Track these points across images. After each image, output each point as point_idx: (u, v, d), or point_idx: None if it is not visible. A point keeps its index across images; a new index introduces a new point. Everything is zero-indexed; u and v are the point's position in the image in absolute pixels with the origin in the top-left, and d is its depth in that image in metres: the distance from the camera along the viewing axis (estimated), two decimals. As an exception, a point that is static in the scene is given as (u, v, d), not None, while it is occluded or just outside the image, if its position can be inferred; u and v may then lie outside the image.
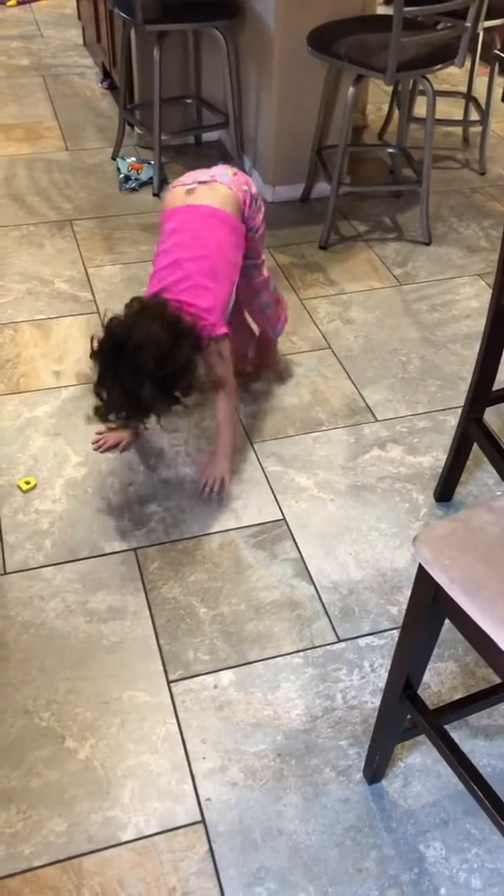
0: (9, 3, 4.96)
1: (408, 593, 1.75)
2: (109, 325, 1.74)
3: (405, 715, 1.32)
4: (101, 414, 1.75)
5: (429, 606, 1.11)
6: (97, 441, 2.08)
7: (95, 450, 2.06)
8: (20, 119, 3.63)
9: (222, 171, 1.97)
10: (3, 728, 1.51)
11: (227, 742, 1.51)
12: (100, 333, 1.74)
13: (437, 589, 1.07)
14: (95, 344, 1.73)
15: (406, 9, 2.38)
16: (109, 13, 3.45)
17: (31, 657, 1.63)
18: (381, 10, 3.71)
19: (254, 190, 1.99)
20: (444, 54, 2.60)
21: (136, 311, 1.75)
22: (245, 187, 1.97)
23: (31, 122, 3.60)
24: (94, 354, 1.73)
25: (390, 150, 3.21)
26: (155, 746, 1.50)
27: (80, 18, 4.47)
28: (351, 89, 2.62)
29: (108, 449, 2.06)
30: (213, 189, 1.93)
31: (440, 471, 2.00)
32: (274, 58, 2.79)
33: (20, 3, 4.99)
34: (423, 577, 1.10)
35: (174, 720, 1.54)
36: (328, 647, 1.67)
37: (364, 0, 2.88)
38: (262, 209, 2.03)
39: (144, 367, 1.66)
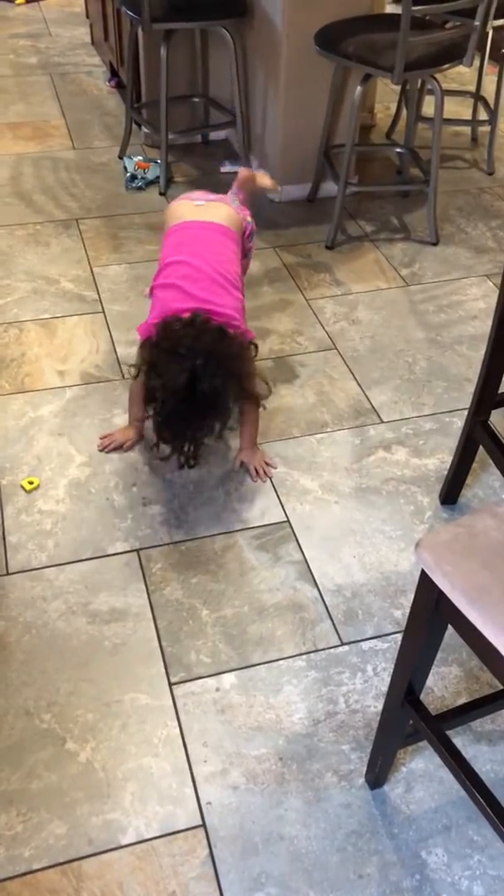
0: (17, 2, 4.95)
1: (412, 597, 1.74)
2: (171, 349, 1.74)
3: (407, 720, 1.31)
4: (175, 446, 1.83)
5: (431, 612, 1.10)
6: (103, 442, 2.07)
7: (101, 450, 2.05)
8: (27, 117, 3.63)
9: (231, 198, 2.14)
10: (3, 729, 1.51)
11: (229, 745, 1.51)
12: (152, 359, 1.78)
13: (440, 595, 1.06)
14: (159, 378, 1.74)
15: (414, 7, 2.36)
16: (117, 11, 3.45)
17: (33, 658, 1.62)
18: (390, 8, 3.69)
19: (254, 225, 2.13)
20: (452, 54, 2.58)
21: (186, 331, 1.76)
22: (249, 218, 2.12)
23: (38, 121, 3.60)
24: (165, 387, 1.73)
25: (398, 150, 3.20)
26: (156, 749, 1.50)
27: (87, 17, 4.46)
28: (359, 88, 2.61)
29: (114, 449, 2.05)
30: (220, 208, 2.05)
31: (445, 473, 1.98)
32: (281, 57, 2.78)
33: (28, 1, 4.99)
34: (425, 582, 1.08)
35: (175, 723, 1.54)
36: (331, 651, 1.66)
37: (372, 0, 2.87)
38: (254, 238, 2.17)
39: (222, 384, 1.72)
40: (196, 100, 3.37)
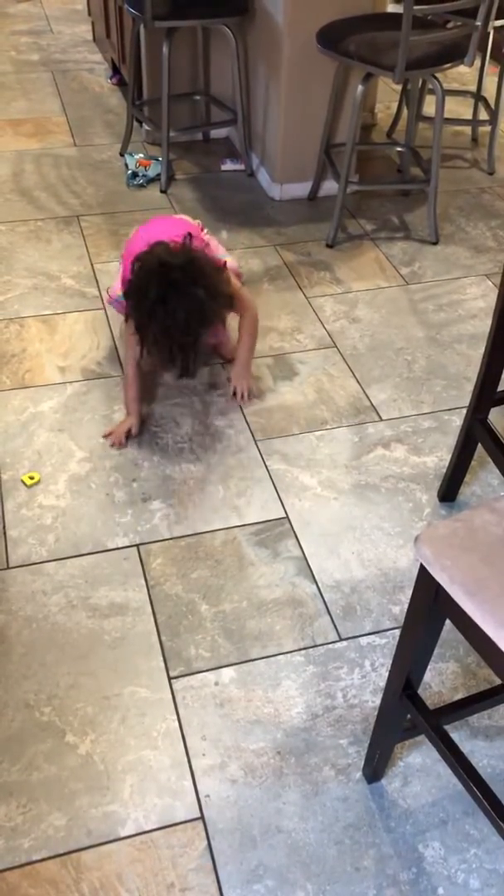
0: (19, -1, 4.95)
1: (410, 593, 1.76)
2: (152, 260, 1.88)
3: (405, 714, 1.32)
4: (157, 344, 1.90)
5: (430, 606, 1.11)
6: (111, 439, 2.07)
7: (112, 445, 2.06)
8: (29, 114, 3.63)
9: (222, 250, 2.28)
10: (3, 722, 1.52)
11: (227, 739, 1.52)
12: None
13: (438, 589, 1.07)
14: (140, 281, 1.88)
15: (416, 7, 2.37)
16: (119, 9, 3.45)
17: (33, 652, 1.63)
18: (392, 7, 3.70)
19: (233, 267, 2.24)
20: (453, 53, 2.59)
21: (158, 250, 1.92)
22: (236, 265, 2.28)
23: (39, 118, 3.60)
24: (147, 284, 1.86)
25: (399, 149, 3.21)
26: (155, 742, 1.51)
27: (89, 14, 4.46)
28: (360, 87, 2.61)
29: (125, 440, 2.07)
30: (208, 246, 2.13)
31: (444, 471, 1.99)
32: (283, 55, 2.79)
33: (30, -2, 4.98)
34: (424, 576, 1.09)
35: (174, 716, 1.54)
36: (329, 646, 1.67)
37: (374, -2, 2.87)
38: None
39: (202, 277, 1.85)
40: (197, 97, 3.38)
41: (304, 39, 2.72)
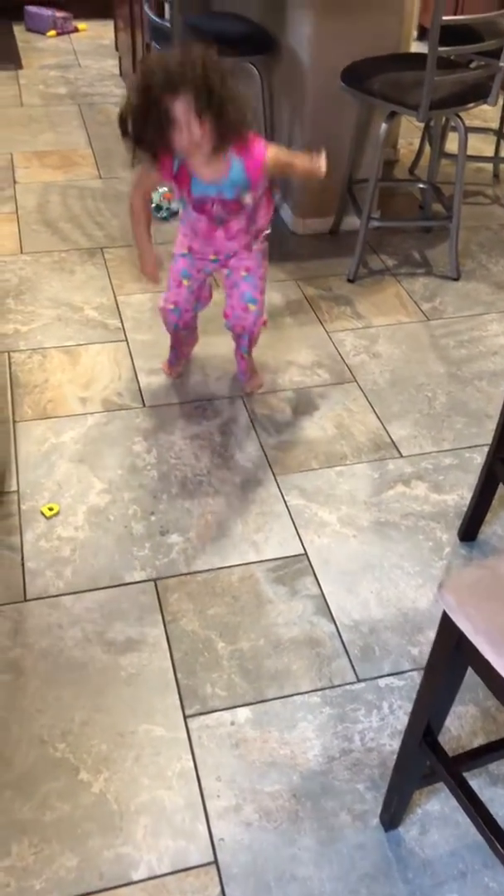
0: (48, 34, 5.07)
1: (430, 634, 1.74)
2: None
3: (424, 762, 1.29)
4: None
5: (452, 654, 1.10)
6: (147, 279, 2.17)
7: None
8: (55, 146, 3.69)
9: None
10: (18, 757, 1.51)
11: (243, 781, 1.50)
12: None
13: (461, 637, 1.06)
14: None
15: (441, 49, 2.40)
16: (146, 45, 3.51)
17: (48, 686, 1.62)
18: (415, 46, 3.74)
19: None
20: (477, 93, 2.62)
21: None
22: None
23: (65, 150, 3.66)
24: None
25: (421, 186, 3.22)
26: (169, 782, 1.49)
27: (117, 49, 4.55)
28: (384, 125, 2.64)
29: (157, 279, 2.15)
30: None
31: (465, 510, 1.98)
32: (307, 92, 2.82)
33: (59, 33, 5.10)
34: (447, 624, 1.08)
35: (189, 756, 1.53)
36: (347, 687, 1.65)
37: (399, 38, 2.91)
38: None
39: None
40: (222, 132, 3.42)
41: (329, 77, 2.76)
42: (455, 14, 3.65)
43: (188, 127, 1.79)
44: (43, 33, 5.08)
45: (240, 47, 2.93)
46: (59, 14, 5.08)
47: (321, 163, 2.07)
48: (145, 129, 1.81)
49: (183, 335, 2.31)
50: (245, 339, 2.24)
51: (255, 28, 3.01)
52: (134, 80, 1.83)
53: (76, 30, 5.16)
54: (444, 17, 2.36)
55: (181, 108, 1.76)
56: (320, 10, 2.67)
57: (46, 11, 5.07)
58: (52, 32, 5.07)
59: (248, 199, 1.98)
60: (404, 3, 2.90)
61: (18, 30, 5.13)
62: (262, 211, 2.08)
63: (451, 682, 1.17)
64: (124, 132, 1.85)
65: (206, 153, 1.88)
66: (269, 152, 1.95)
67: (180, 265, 2.16)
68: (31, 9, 5.10)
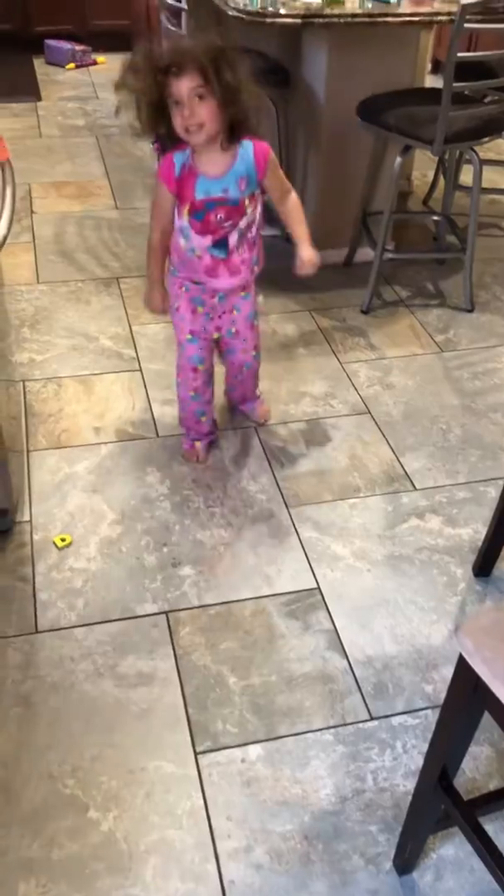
0: (67, 67, 5.15)
1: (444, 671, 1.72)
2: None
3: (439, 805, 1.27)
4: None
5: (468, 698, 1.08)
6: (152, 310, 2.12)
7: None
8: (73, 177, 3.74)
9: None
10: (27, 794, 1.49)
11: (254, 820, 1.47)
12: None
13: (478, 681, 1.04)
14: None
15: (455, 84, 2.42)
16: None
17: (59, 720, 1.61)
18: (429, 79, 3.78)
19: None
20: (491, 127, 2.63)
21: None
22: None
23: (83, 181, 3.70)
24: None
25: (435, 218, 3.24)
26: (179, 821, 1.47)
27: (135, 82, 4.62)
28: (398, 159, 2.66)
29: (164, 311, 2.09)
30: None
31: (479, 544, 1.96)
32: (323, 126, 2.85)
33: (78, 66, 5.19)
34: (463, 667, 1.06)
35: (200, 794, 1.51)
36: (360, 725, 1.63)
37: (413, 72, 2.94)
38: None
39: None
40: (237, 164, 3.45)
41: (344, 111, 2.78)
42: (469, 50, 3.70)
43: (191, 109, 1.71)
44: (62, 66, 5.17)
45: (257, 81, 2.96)
46: (79, 47, 5.18)
47: (312, 257, 2.05)
48: (147, 104, 1.75)
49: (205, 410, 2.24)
50: (249, 386, 2.32)
51: (271, 63, 3.05)
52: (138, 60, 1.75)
53: (95, 63, 5.25)
54: (459, 54, 2.38)
55: (184, 87, 1.69)
56: (335, 46, 2.71)
57: (66, 45, 5.16)
58: (72, 65, 5.16)
59: (252, 198, 1.92)
60: (419, 38, 2.93)
61: (38, 63, 5.22)
62: (259, 241, 2.07)
63: (468, 726, 1.15)
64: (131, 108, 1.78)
65: (213, 143, 1.81)
66: (273, 157, 1.93)
67: (189, 352, 2.10)
68: (52, 42, 5.19)
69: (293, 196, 2.06)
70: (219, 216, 1.89)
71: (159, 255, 2.03)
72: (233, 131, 1.81)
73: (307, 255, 2.04)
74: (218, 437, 2.31)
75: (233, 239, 1.93)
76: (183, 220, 1.92)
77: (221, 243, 1.94)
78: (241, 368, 2.23)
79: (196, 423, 2.21)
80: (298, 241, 2.05)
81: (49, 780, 1.51)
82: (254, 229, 1.98)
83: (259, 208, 1.97)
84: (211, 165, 1.85)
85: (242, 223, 1.94)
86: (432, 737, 1.20)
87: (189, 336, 2.08)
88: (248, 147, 1.87)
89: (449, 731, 1.16)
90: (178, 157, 1.86)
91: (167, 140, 1.84)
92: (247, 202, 1.92)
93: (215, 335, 2.11)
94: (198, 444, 2.23)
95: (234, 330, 2.11)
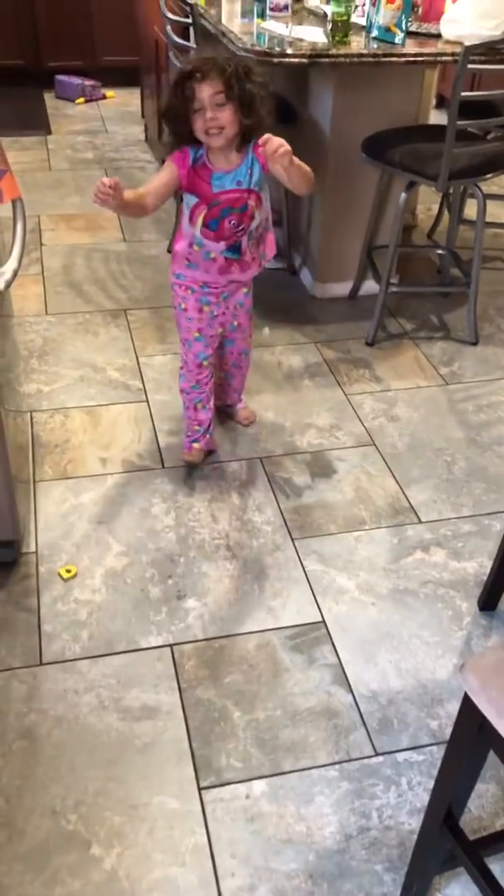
0: (77, 101, 5.24)
1: (449, 707, 1.71)
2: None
3: (445, 845, 1.26)
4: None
5: (474, 737, 1.08)
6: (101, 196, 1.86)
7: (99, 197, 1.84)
8: (81, 210, 3.79)
9: None
10: (29, 829, 1.48)
11: (258, 858, 1.46)
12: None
13: (484, 720, 1.04)
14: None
15: (459, 122, 2.46)
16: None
17: (62, 754, 1.60)
18: (434, 114, 3.84)
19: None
20: (495, 164, 2.67)
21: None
22: None
23: (91, 213, 3.75)
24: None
25: (439, 252, 3.27)
26: (183, 859, 1.45)
27: (143, 116, 4.70)
28: (403, 195, 2.69)
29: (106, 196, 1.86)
30: None
31: (484, 578, 1.96)
32: (329, 161, 2.89)
33: (88, 100, 5.28)
34: (468, 706, 1.06)
35: (204, 831, 1.50)
36: (365, 761, 1.62)
37: (418, 109, 2.99)
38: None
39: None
40: (244, 198, 3.50)
41: (349, 148, 2.83)
42: (472, 88, 3.76)
43: (213, 112, 1.84)
44: (72, 100, 5.26)
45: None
46: (88, 82, 5.27)
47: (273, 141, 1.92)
48: (173, 110, 1.88)
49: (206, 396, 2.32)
50: (243, 371, 2.42)
51: (278, 100, 3.10)
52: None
53: (104, 97, 5.34)
54: (463, 94, 2.42)
55: (206, 92, 1.82)
56: (341, 84, 2.76)
57: (76, 80, 5.26)
58: (81, 100, 5.25)
59: (258, 200, 2.00)
60: (423, 76, 2.99)
61: (49, 97, 5.32)
62: (269, 236, 2.15)
63: (473, 765, 1.15)
64: (163, 116, 1.95)
65: (228, 145, 1.91)
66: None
67: (196, 349, 2.20)
68: (62, 77, 5.29)
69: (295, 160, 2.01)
70: (232, 222, 2.00)
71: (132, 191, 1.93)
72: (246, 136, 1.93)
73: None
74: (216, 449, 2.39)
75: (244, 241, 2.05)
76: (196, 230, 2.02)
77: (235, 246, 2.05)
78: (240, 356, 2.36)
79: (195, 413, 2.29)
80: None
81: (52, 816, 1.51)
82: (261, 229, 2.08)
83: (264, 207, 2.06)
84: (224, 162, 1.97)
85: (253, 226, 2.04)
86: (437, 776, 1.20)
87: (197, 334, 2.19)
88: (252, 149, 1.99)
89: (454, 771, 1.15)
90: (192, 150, 1.97)
91: (182, 140, 1.94)
92: (254, 206, 2.01)
93: (219, 330, 2.22)
94: (195, 446, 2.31)
95: (236, 324, 2.26)
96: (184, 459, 2.31)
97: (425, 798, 1.53)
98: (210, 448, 2.36)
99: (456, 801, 1.21)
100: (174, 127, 1.93)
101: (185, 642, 1.83)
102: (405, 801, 1.55)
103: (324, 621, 1.89)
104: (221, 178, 1.97)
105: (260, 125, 1.91)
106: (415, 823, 1.51)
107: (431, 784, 1.26)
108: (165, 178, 2.00)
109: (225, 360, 2.37)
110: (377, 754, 1.63)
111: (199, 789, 1.56)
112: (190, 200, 2.01)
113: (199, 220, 2.00)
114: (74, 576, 1.97)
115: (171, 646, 1.82)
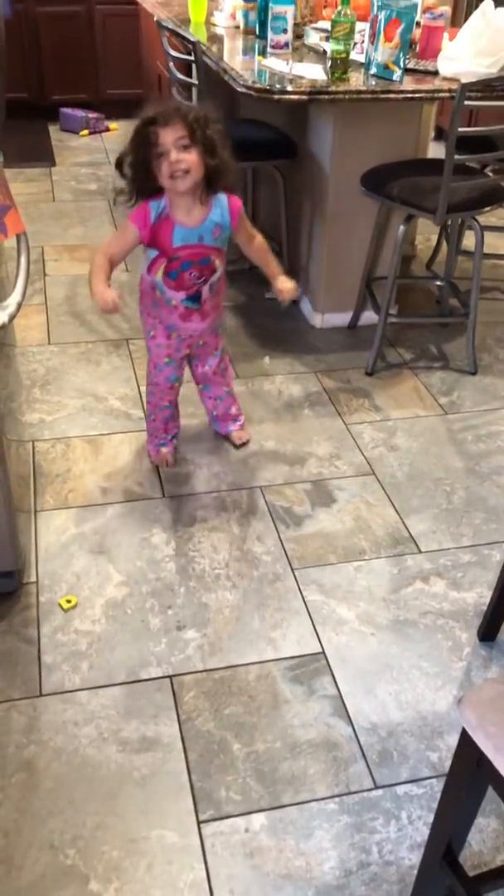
0: (81, 133, 5.32)
1: (449, 739, 1.70)
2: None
3: (445, 881, 1.25)
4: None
5: (472, 772, 1.08)
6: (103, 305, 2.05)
7: (106, 309, 2.03)
8: (84, 240, 3.84)
9: None
10: (27, 864, 1.47)
11: (257, 894, 1.45)
12: None
13: (482, 755, 1.04)
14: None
15: (457, 156, 2.50)
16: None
17: (61, 787, 1.60)
18: (432, 147, 3.89)
19: None
20: (492, 197, 2.71)
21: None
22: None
23: (94, 244, 3.79)
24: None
25: (438, 283, 3.30)
26: (181, 895, 1.44)
27: (146, 148, 4.76)
28: (401, 227, 2.73)
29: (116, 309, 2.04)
30: None
31: (484, 608, 1.96)
32: (328, 195, 2.94)
33: (92, 132, 5.35)
34: (466, 741, 1.06)
35: (202, 865, 1.49)
36: (364, 794, 1.61)
37: (416, 143, 3.03)
38: None
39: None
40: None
41: (349, 181, 2.87)
42: (470, 122, 3.83)
43: (178, 155, 1.87)
44: (76, 132, 5.34)
45: (264, 153, 3.07)
46: (92, 115, 5.35)
47: (290, 286, 2.18)
48: (134, 159, 1.92)
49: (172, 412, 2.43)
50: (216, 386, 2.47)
51: (278, 134, 3.16)
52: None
53: (108, 129, 5.42)
54: (460, 129, 2.47)
55: (170, 137, 1.87)
56: (341, 120, 2.80)
57: (80, 112, 5.34)
58: (85, 132, 5.33)
59: (220, 254, 2.08)
60: (422, 110, 3.04)
61: (53, 129, 5.39)
62: (223, 287, 2.22)
63: (472, 801, 1.15)
64: (117, 166, 1.99)
65: (192, 193, 1.96)
66: (243, 210, 2.11)
67: (167, 373, 2.31)
68: (66, 110, 5.37)
69: (258, 239, 2.21)
70: (193, 274, 2.06)
71: (103, 272, 2.07)
72: (210, 183, 1.97)
73: (285, 286, 2.18)
74: (179, 442, 2.50)
75: (205, 292, 2.11)
76: (157, 277, 2.08)
77: (195, 296, 2.11)
78: (206, 359, 2.37)
79: (164, 425, 2.41)
80: (273, 276, 2.21)
81: (50, 851, 1.50)
82: (221, 281, 2.16)
83: (224, 259, 2.14)
84: (187, 216, 2.01)
85: (214, 279, 2.11)
86: (437, 811, 1.20)
87: (167, 359, 2.28)
88: (222, 199, 2.04)
89: (453, 806, 1.15)
90: (153, 206, 2.00)
91: (142, 192, 1.99)
92: (216, 260, 2.08)
93: (187, 352, 2.30)
94: (164, 450, 2.43)
95: (201, 342, 2.31)
96: (153, 462, 2.43)
97: (425, 832, 1.52)
98: (173, 454, 2.46)
99: (455, 837, 1.20)
100: (133, 175, 1.96)
101: (185, 673, 1.83)
102: (405, 836, 1.55)
103: (324, 652, 1.89)
104: (184, 234, 2.01)
105: (225, 168, 1.97)
106: (415, 858, 1.50)
107: (431, 817, 1.26)
108: (127, 243, 2.08)
109: (194, 374, 2.43)
110: (377, 787, 1.62)
111: (199, 823, 1.55)
112: (150, 253, 2.05)
113: (160, 270, 2.07)
114: (75, 606, 1.97)
115: (170, 677, 1.82)
